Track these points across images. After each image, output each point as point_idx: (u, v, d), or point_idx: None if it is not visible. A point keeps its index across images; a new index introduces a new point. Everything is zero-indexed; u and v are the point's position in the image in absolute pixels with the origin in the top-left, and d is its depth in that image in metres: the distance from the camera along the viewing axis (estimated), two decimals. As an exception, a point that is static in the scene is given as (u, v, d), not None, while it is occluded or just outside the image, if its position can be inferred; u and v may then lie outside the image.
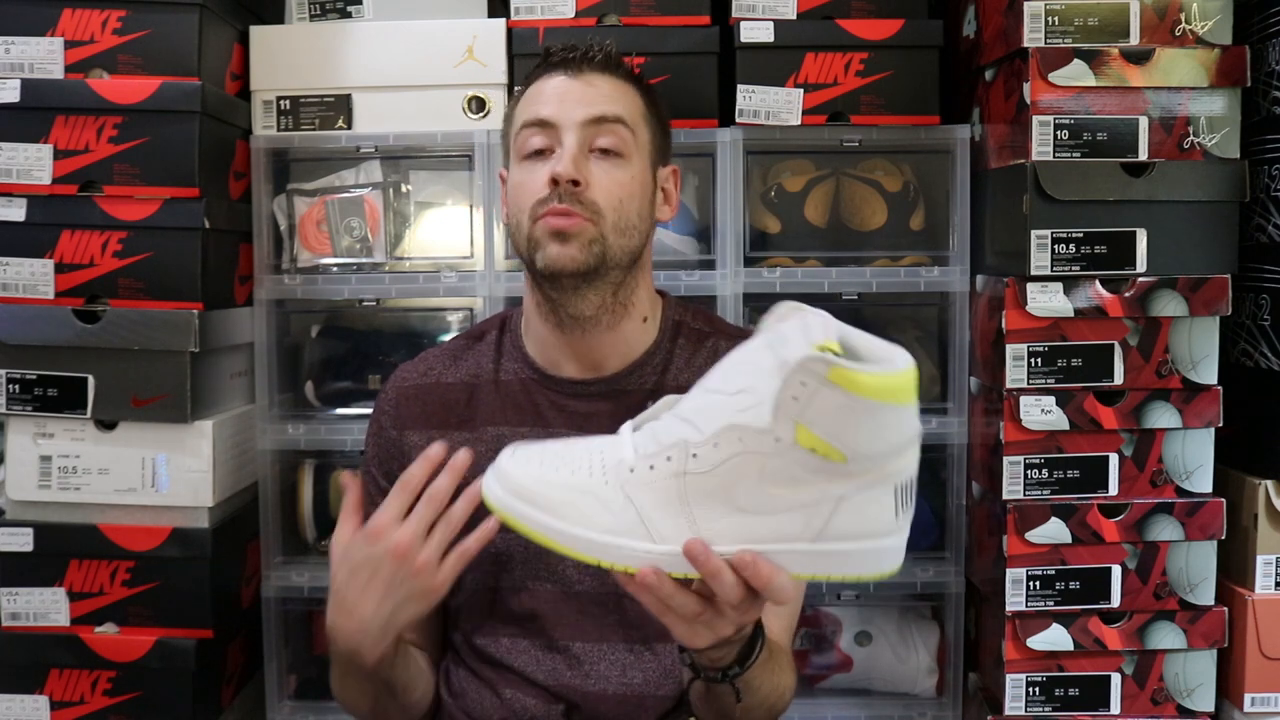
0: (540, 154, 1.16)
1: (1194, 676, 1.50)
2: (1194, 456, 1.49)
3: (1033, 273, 1.46)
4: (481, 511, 0.94)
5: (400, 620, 1.02)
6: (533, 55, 1.59)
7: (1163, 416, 1.48)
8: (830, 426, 0.77)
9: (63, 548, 1.55)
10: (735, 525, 0.81)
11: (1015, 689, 1.51)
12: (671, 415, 0.84)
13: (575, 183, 1.12)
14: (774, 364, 0.78)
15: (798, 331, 0.78)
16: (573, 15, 1.65)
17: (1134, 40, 1.46)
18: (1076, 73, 1.45)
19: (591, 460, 0.84)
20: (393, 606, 1.01)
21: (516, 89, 1.24)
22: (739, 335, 1.23)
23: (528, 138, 1.16)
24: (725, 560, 0.82)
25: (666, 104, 1.25)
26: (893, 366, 0.78)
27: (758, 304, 1.65)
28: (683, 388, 1.18)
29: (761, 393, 0.78)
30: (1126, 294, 1.47)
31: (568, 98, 1.15)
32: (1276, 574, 1.47)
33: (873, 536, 0.82)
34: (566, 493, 0.83)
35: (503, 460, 0.88)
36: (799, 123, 1.62)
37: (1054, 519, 1.49)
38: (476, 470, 1.20)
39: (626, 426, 0.87)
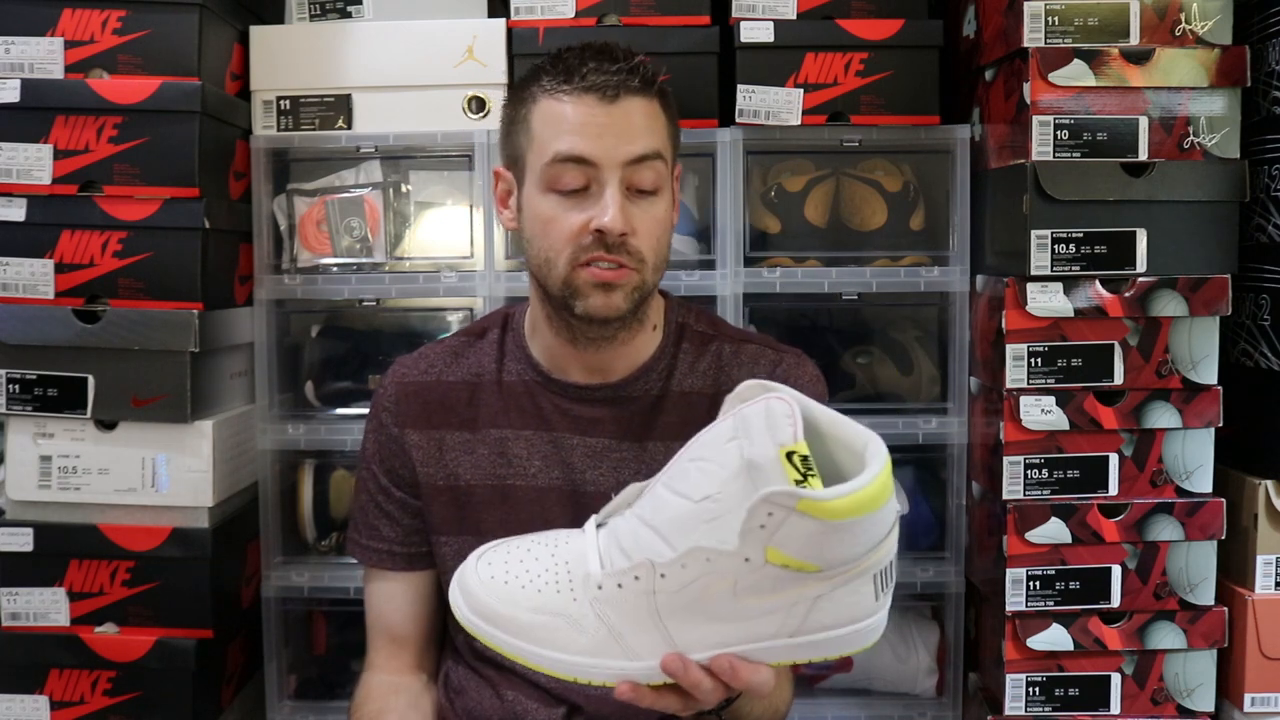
0: (576, 191, 1.09)
1: (1194, 676, 1.50)
2: (1194, 456, 1.49)
3: (1033, 273, 1.46)
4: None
5: None
6: (533, 55, 1.59)
7: (1163, 416, 1.48)
8: (801, 548, 0.76)
9: (63, 548, 1.55)
10: (711, 633, 0.80)
11: (1015, 689, 1.51)
12: (636, 519, 0.82)
13: (623, 234, 1.08)
14: (738, 466, 0.75)
15: (762, 428, 0.76)
16: (573, 15, 1.64)
17: (1134, 40, 1.46)
18: (1076, 73, 1.45)
19: (558, 574, 0.82)
20: None
21: (526, 80, 1.14)
22: (741, 338, 1.23)
23: (561, 172, 1.08)
24: (703, 666, 0.81)
25: (676, 105, 1.20)
26: (864, 479, 0.75)
27: (758, 304, 1.65)
28: (687, 393, 1.19)
29: (728, 502, 0.76)
30: (1126, 294, 1.47)
31: (606, 133, 1.07)
32: (1276, 574, 1.47)
33: (852, 623, 0.81)
34: (536, 615, 0.82)
35: (467, 575, 0.86)
36: (799, 123, 1.62)
37: (1054, 519, 1.49)
38: (482, 472, 1.20)
39: (590, 523, 0.85)
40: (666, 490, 0.80)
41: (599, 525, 0.84)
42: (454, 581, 0.88)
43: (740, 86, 1.61)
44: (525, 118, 1.13)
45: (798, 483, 0.74)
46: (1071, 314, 1.47)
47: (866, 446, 0.77)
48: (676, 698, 0.86)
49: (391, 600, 1.25)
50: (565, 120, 1.09)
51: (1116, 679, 1.51)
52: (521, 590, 0.82)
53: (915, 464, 1.72)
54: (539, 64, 1.15)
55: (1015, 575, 1.49)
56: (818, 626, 0.80)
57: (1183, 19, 1.45)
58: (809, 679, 1.71)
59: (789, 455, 0.74)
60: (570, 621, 0.81)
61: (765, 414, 0.76)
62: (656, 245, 1.12)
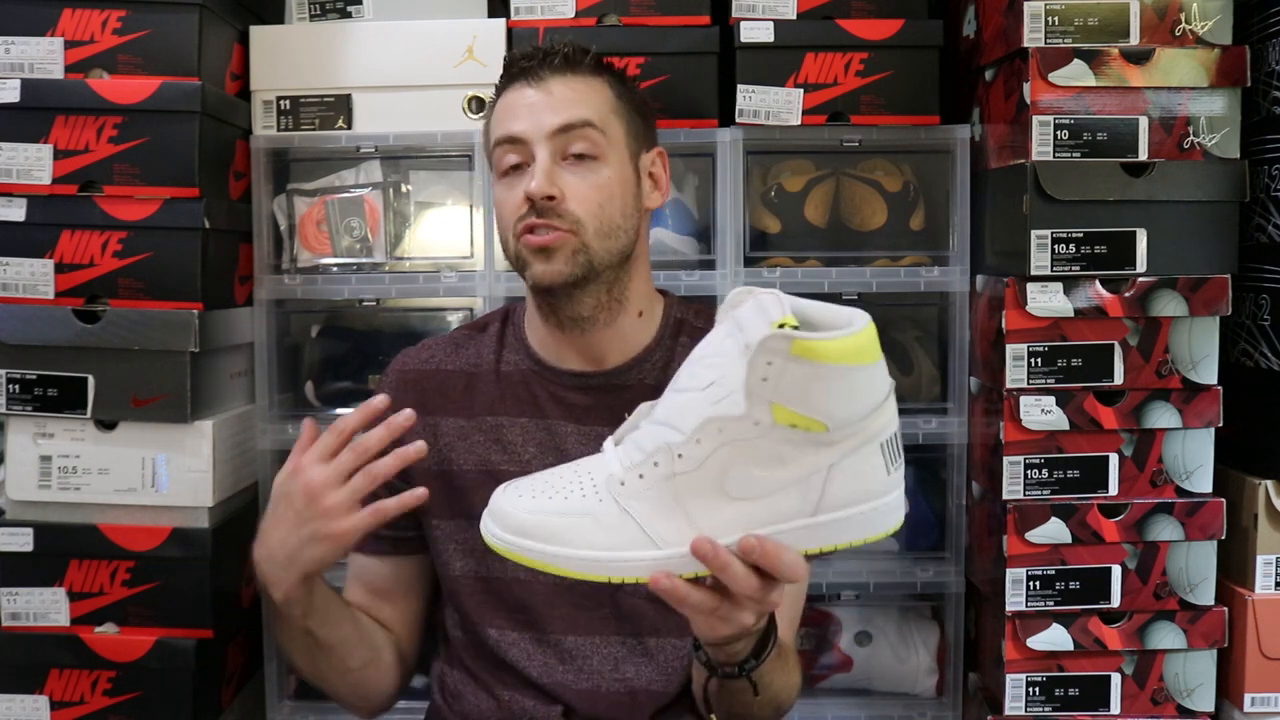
0: (517, 169, 1.17)
1: (1194, 676, 1.50)
2: (1194, 456, 1.49)
3: (1033, 273, 1.46)
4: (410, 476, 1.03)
5: (305, 558, 1.06)
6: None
7: (1163, 416, 1.48)
8: (805, 399, 0.79)
9: (63, 548, 1.55)
10: (734, 515, 0.82)
11: (1015, 689, 1.51)
12: (649, 422, 0.85)
13: (550, 198, 1.14)
14: (738, 350, 0.79)
15: (754, 314, 0.79)
16: (573, 15, 1.64)
17: (1134, 40, 1.46)
18: (1076, 73, 1.45)
19: (582, 482, 0.85)
20: (297, 542, 1.05)
21: (489, 99, 1.25)
22: None
23: (502, 155, 1.18)
24: (731, 551, 0.82)
25: (636, 87, 1.26)
26: (852, 329, 0.80)
27: (758, 304, 1.65)
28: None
29: (732, 381, 0.79)
30: (1126, 294, 1.47)
31: (534, 109, 1.16)
32: (1276, 574, 1.47)
33: (870, 498, 0.83)
34: (563, 519, 0.84)
35: (496, 500, 0.88)
36: (799, 123, 1.62)
37: (1054, 519, 1.49)
38: (475, 458, 1.21)
39: (609, 442, 0.88)
40: (674, 393, 0.83)
41: (617, 443, 0.87)
42: (485, 513, 0.89)
43: (740, 86, 1.61)
44: (487, 124, 1.24)
45: (791, 347, 0.78)
46: (1071, 314, 1.47)
47: (852, 319, 0.82)
48: (708, 596, 0.86)
49: (368, 573, 1.29)
50: (503, 110, 1.20)
51: (1116, 679, 1.51)
52: (549, 500, 0.85)
53: (915, 464, 1.72)
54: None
55: (1015, 575, 1.49)
56: (837, 502, 0.82)
57: (1183, 19, 1.45)
58: (809, 679, 1.71)
59: (780, 326, 0.78)
60: (596, 519, 0.83)
61: (756, 306, 0.80)
62: (598, 210, 1.15)
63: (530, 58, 1.19)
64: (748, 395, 0.79)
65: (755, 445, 0.80)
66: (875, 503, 0.83)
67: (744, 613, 0.87)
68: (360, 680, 1.21)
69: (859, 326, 0.80)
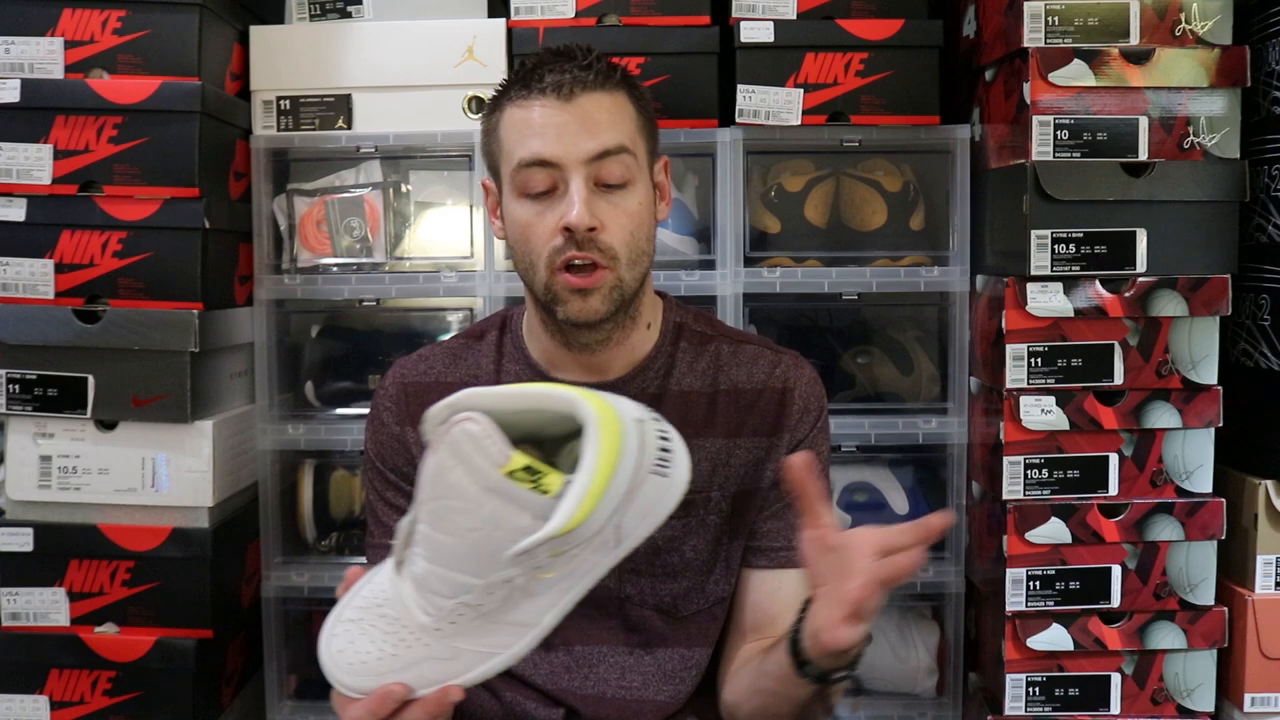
0: (542, 193, 1.11)
1: (1194, 676, 1.50)
2: (1194, 456, 1.49)
3: (1033, 273, 1.46)
4: None
5: None
6: (526, 57, 1.59)
7: (1163, 416, 1.48)
8: (570, 542, 0.83)
9: (63, 548, 1.55)
10: (549, 599, 0.87)
11: (1015, 689, 1.51)
12: (424, 559, 0.86)
13: (592, 229, 1.09)
14: (479, 496, 0.81)
15: (474, 454, 0.80)
16: (573, 15, 1.64)
17: (1134, 40, 1.46)
18: (1076, 73, 1.45)
19: (396, 632, 0.88)
20: None
21: (495, 93, 1.17)
22: (739, 338, 1.23)
23: (528, 177, 1.10)
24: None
25: (649, 95, 1.21)
26: (585, 476, 0.80)
27: (758, 304, 1.65)
28: (685, 392, 1.19)
29: (498, 536, 0.81)
30: (1126, 294, 1.47)
31: (566, 131, 1.09)
32: (1276, 574, 1.47)
33: (659, 501, 0.87)
34: (405, 674, 0.87)
35: (330, 669, 0.90)
36: (799, 123, 1.62)
37: (1054, 519, 1.49)
38: None
39: (388, 566, 0.89)
40: (434, 531, 0.85)
41: (399, 565, 0.89)
42: (327, 674, 0.91)
43: (740, 86, 1.61)
44: (495, 128, 1.15)
45: (533, 488, 0.80)
46: (1071, 314, 1.47)
47: (573, 411, 0.82)
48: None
49: None
50: (526, 125, 1.11)
51: (1116, 679, 1.51)
52: (380, 662, 0.88)
53: (915, 464, 1.72)
54: (508, 76, 1.18)
55: (1015, 575, 1.49)
56: (630, 529, 0.86)
57: (1183, 19, 1.45)
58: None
59: (510, 474, 0.80)
60: (436, 660, 0.88)
61: (468, 440, 0.81)
62: (630, 239, 1.12)
63: (561, 70, 1.10)
64: (516, 566, 0.83)
65: (545, 570, 0.84)
66: (665, 498, 0.87)
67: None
68: None
69: (592, 461, 0.80)
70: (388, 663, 0.87)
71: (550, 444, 0.87)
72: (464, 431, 0.81)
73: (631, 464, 0.83)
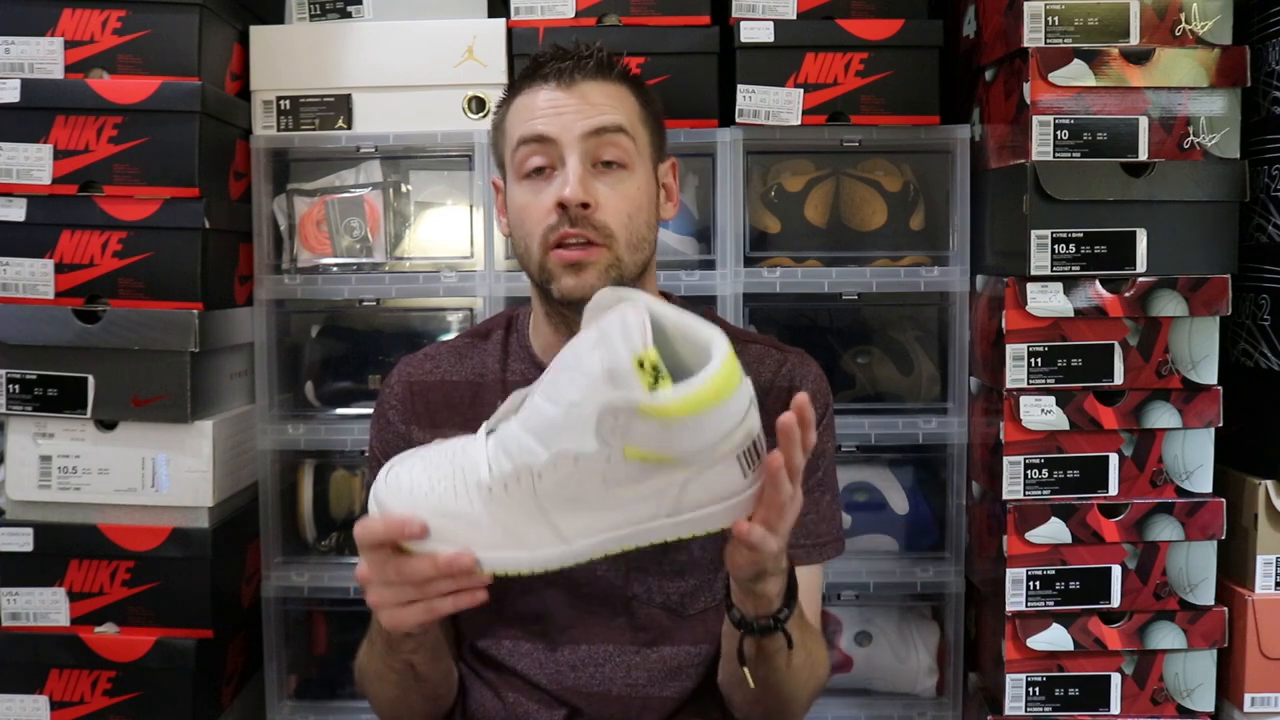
0: (540, 172, 1.12)
1: (1194, 676, 1.50)
2: (1194, 456, 1.49)
3: (1033, 273, 1.46)
4: None
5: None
6: (532, 55, 1.59)
7: (1163, 416, 1.48)
8: (655, 444, 0.83)
9: (63, 548, 1.55)
10: (594, 520, 0.88)
11: (1015, 689, 1.51)
12: (518, 423, 0.88)
13: (585, 205, 1.09)
14: (600, 372, 0.82)
15: (618, 337, 0.82)
16: (573, 15, 1.65)
17: (1134, 40, 1.46)
18: (1076, 73, 1.45)
19: (455, 480, 0.90)
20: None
21: (503, 94, 1.20)
22: (745, 338, 1.23)
23: (526, 156, 1.12)
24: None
25: (658, 97, 1.22)
26: (702, 379, 0.81)
27: (758, 304, 1.65)
28: None
29: (587, 412, 0.83)
30: (1126, 294, 1.47)
31: (564, 111, 1.11)
32: (1276, 574, 1.47)
33: (727, 498, 0.87)
34: (439, 519, 0.89)
35: (378, 488, 0.92)
36: (799, 123, 1.62)
37: (1054, 519, 1.49)
38: None
39: (482, 431, 0.92)
40: (541, 398, 0.87)
41: (489, 432, 0.91)
42: (370, 495, 0.92)
43: (740, 86, 1.61)
44: (502, 121, 1.18)
45: (649, 385, 0.81)
46: (1071, 314, 1.47)
47: (711, 342, 0.84)
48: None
49: None
50: (529, 109, 1.13)
51: (1116, 679, 1.51)
52: (425, 497, 0.90)
53: (915, 464, 1.72)
54: (513, 76, 1.18)
55: (1015, 575, 1.49)
56: (692, 505, 0.87)
57: (1183, 19, 1.45)
58: (809, 679, 1.71)
59: (640, 363, 0.81)
60: (469, 522, 0.88)
61: (620, 323, 0.83)
62: (628, 222, 1.12)
63: (562, 59, 1.13)
64: (597, 437, 0.83)
65: (610, 473, 0.85)
66: (730, 501, 0.88)
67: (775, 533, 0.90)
68: (440, 705, 1.21)
69: (708, 372, 0.82)
70: (430, 500, 0.89)
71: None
72: (622, 316, 0.83)
73: (733, 416, 0.84)
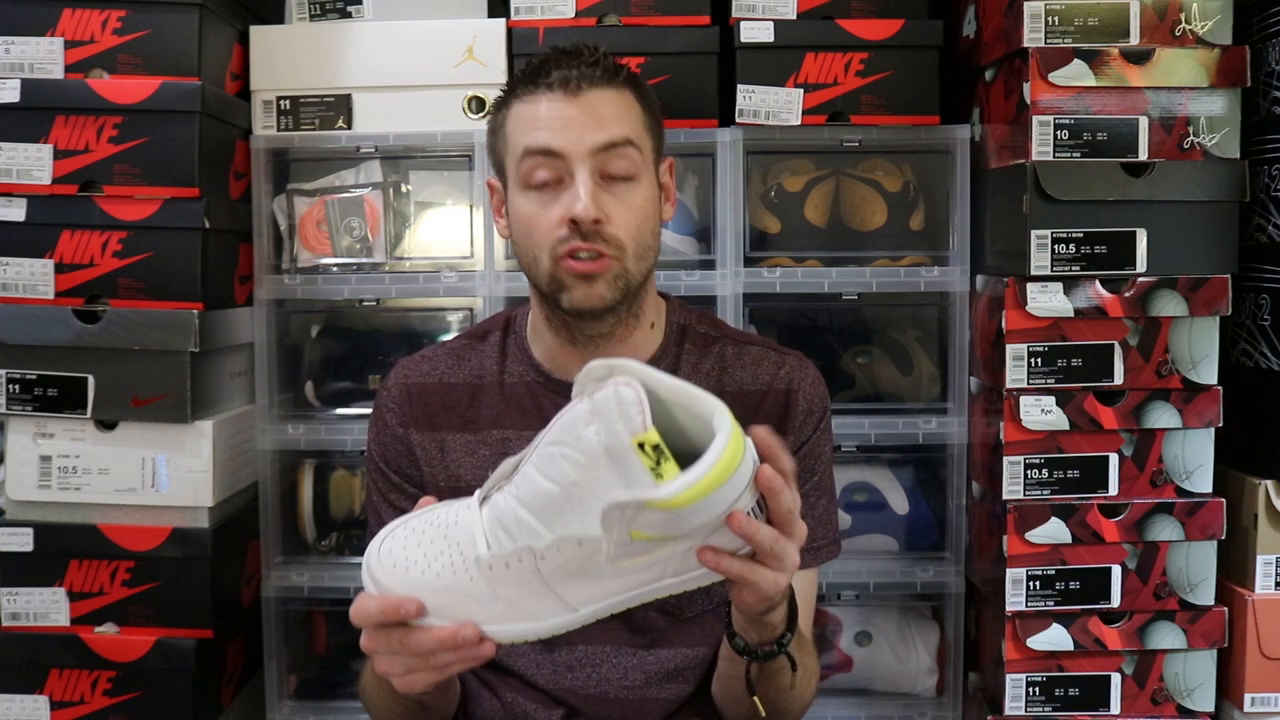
0: (547, 184, 1.11)
1: (1194, 676, 1.50)
2: (1194, 456, 1.49)
3: (1033, 273, 1.46)
4: None
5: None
6: (533, 55, 1.59)
7: (1163, 416, 1.48)
8: (660, 528, 0.82)
9: (63, 548, 1.55)
10: (598, 590, 0.87)
11: (1015, 689, 1.51)
12: (514, 498, 0.86)
13: (597, 221, 1.09)
14: (597, 456, 0.81)
15: (614, 416, 0.80)
16: (573, 15, 1.65)
17: (1134, 40, 1.46)
18: (1076, 73, 1.45)
19: (452, 555, 0.88)
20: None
21: (500, 93, 1.18)
22: (744, 340, 1.23)
23: (533, 168, 1.11)
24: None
25: (656, 97, 1.21)
26: (701, 469, 0.79)
27: (758, 304, 1.65)
28: None
29: (592, 497, 0.82)
30: (1126, 294, 1.47)
31: (572, 124, 1.09)
32: (1276, 574, 1.47)
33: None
34: (438, 596, 0.88)
35: (373, 564, 0.91)
36: (799, 123, 1.62)
37: (1054, 519, 1.49)
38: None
39: (474, 501, 0.90)
40: (537, 473, 0.85)
41: (483, 500, 0.90)
42: (364, 569, 0.91)
43: (740, 86, 1.61)
44: (502, 125, 1.16)
45: (651, 468, 0.80)
46: (1071, 314, 1.47)
47: (713, 415, 0.82)
48: (743, 563, 0.88)
49: None
50: (533, 118, 1.11)
51: (1116, 679, 1.51)
52: (422, 575, 0.88)
53: (915, 464, 1.72)
54: (515, 74, 1.18)
55: (1015, 575, 1.49)
56: (698, 564, 0.86)
57: (1183, 19, 1.45)
58: (809, 679, 1.71)
59: (640, 445, 0.80)
60: (470, 597, 0.87)
61: (616, 401, 0.81)
62: (636, 233, 1.12)
63: (568, 66, 1.11)
64: (603, 527, 0.82)
65: (615, 550, 0.84)
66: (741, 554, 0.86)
67: (772, 573, 0.89)
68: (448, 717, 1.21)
69: (711, 459, 0.79)
70: (427, 578, 0.88)
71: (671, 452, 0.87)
72: (616, 392, 0.81)
73: (740, 486, 0.82)
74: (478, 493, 0.91)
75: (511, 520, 0.86)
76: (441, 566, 0.88)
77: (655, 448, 0.80)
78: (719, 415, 0.81)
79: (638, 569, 0.85)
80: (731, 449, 0.80)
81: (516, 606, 0.87)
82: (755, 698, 1.05)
